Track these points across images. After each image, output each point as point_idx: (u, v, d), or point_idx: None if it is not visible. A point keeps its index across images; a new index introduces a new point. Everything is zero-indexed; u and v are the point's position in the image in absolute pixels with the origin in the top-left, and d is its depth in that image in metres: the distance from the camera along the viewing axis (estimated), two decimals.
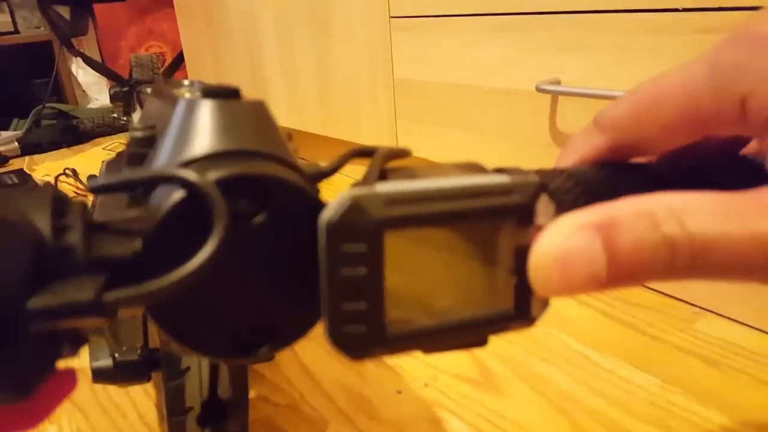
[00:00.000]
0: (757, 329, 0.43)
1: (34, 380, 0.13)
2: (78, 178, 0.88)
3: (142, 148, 0.17)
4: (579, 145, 0.18)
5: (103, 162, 0.79)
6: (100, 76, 1.50)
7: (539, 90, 0.51)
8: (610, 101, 0.18)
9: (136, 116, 0.59)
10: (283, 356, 0.44)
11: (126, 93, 0.71)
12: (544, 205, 0.14)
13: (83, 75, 1.56)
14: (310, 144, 0.93)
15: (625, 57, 0.46)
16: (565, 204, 0.15)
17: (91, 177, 0.82)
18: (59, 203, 0.13)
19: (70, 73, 1.57)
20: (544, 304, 0.15)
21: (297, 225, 0.14)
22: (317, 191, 0.16)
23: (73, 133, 1.24)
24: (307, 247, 0.14)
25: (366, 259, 0.13)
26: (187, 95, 0.19)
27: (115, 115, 1.28)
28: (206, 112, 0.15)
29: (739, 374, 0.39)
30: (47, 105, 1.32)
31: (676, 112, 0.16)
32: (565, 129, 0.53)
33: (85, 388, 0.42)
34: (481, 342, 0.16)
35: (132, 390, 0.42)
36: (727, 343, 0.42)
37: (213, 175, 0.13)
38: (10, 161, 1.12)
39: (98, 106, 1.48)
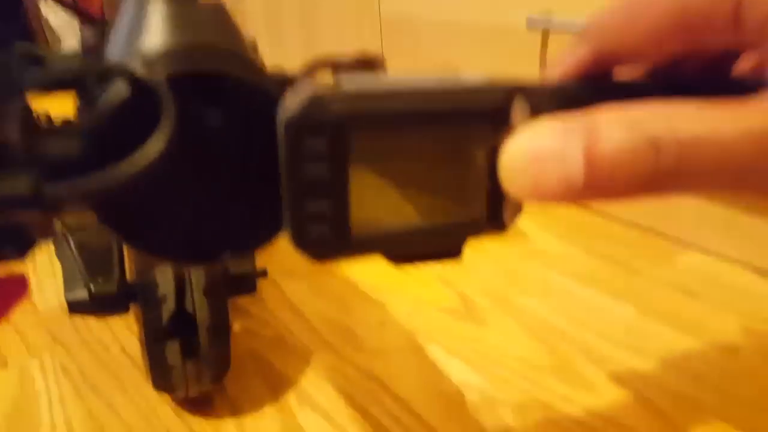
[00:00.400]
0: (734, 261, 0.44)
1: None
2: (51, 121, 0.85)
3: (95, 43, 0.16)
4: (562, 58, 0.18)
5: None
6: (72, 17, 1.43)
7: (530, 23, 0.50)
8: None
9: None
10: (269, 292, 0.44)
11: (98, 37, 0.67)
12: (519, 108, 0.14)
13: (54, 17, 1.48)
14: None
15: None
16: (541, 109, 0.15)
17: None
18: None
19: (40, 14, 1.49)
20: (517, 209, 0.15)
21: (256, 126, 0.14)
22: (280, 93, 0.15)
23: None
24: (268, 150, 0.13)
25: (329, 156, 0.13)
26: None
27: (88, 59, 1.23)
28: (159, 7, 0.14)
29: (715, 303, 0.39)
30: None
31: (665, 16, 0.15)
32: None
33: (66, 323, 0.42)
34: (455, 252, 0.15)
35: (113, 323, 0.42)
36: (705, 274, 0.43)
37: (163, 69, 0.13)
38: None
39: (71, 49, 1.42)
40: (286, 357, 0.37)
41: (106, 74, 0.13)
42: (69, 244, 0.35)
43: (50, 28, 1.51)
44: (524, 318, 0.39)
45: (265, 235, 0.15)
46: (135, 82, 0.12)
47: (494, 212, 0.14)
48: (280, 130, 0.12)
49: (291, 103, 0.12)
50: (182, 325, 0.29)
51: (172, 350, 0.30)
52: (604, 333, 0.37)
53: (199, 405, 0.33)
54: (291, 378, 0.35)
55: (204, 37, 0.14)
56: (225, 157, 0.14)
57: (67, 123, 0.13)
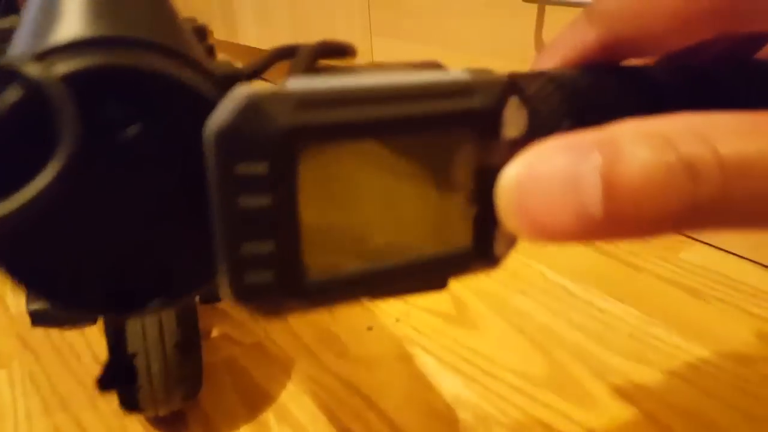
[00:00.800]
0: (744, 258, 0.41)
1: None
2: None
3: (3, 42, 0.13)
4: (564, 41, 0.15)
5: None
6: None
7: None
8: None
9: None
10: None
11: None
12: (513, 112, 0.11)
13: None
14: (282, 66, 0.87)
15: None
16: (542, 113, 0.12)
17: None
18: None
19: None
20: (512, 240, 0.12)
21: (188, 138, 0.11)
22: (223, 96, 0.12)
23: None
24: (200, 170, 0.10)
25: (272, 182, 0.09)
26: None
27: None
28: None
29: (723, 305, 0.37)
30: None
31: (675, 22, 0.12)
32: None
33: (38, 329, 0.40)
34: (439, 286, 0.13)
35: (88, 330, 0.39)
36: (713, 273, 0.40)
37: (61, 68, 0.10)
38: None
39: None
40: (265, 367, 0.35)
41: None
42: None
43: None
44: (521, 323, 0.37)
45: (204, 276, 0.12)
46: (27, 83, 0.10)
47: (483, 243, 0.12)
48: (208, 146, 0.09)
49: (221, 112, 0.09)
50: (121, 373, 0.27)
51: (139, 370, 0.27)
52: (606, 339, 0.35)
53: (171, 423, 0.31)
54: (269, 392, 0.33)
55: (125, 27, 0.11)
56: (150, 177, 0.11)
57: None
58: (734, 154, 0.09)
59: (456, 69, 0.12)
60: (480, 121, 0.11)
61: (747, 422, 0.28)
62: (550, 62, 0.15)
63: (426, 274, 0.12)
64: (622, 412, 0.30)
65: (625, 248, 0.44)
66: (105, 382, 0.26)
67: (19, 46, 0.12)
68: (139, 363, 0.27)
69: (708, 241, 0.44)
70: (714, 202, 0.09)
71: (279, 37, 0.81)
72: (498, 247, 0.12)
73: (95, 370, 0.36)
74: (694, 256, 0.43)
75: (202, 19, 0.75)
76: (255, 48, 0.88)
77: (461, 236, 0.11)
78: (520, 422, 0.29)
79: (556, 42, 0.15)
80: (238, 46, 0.93)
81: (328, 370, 0.34)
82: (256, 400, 0.32)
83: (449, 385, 0.32)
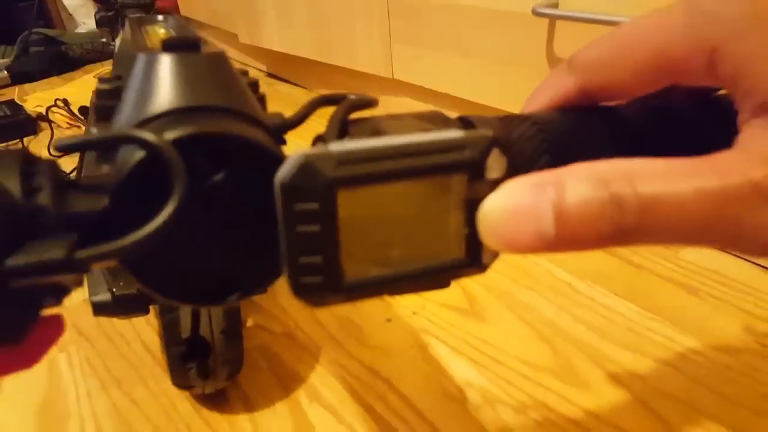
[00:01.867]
0: (739, 258, 0.44)
1: (21, 328, 0.14)
2: (70, 108, 0.87)
3: (109, 101, 0.17)
4: (549, 86, 0.18)
5: (93, 92, 0.78)
6: None
7: (535, 13, 0.49)
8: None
9: (118, 42, 0.57)
10: (280, 288, 0.46)
11: (111, 18, 0.68)
12: (494, 160, 0.15)
13: None
14: (304, 69, 0.91)
15: None
16: (524, 153, 0.15)
17: (82, 108, 0.81)
18: (28, 165, 0.14)
19: None
20: (495, 252, 0.16)
21: (258, 180, 0.15)
22: (280, 145, 0.16)
23: (62, 60, 1.21)
24: (268, 201, 0.14)
25: (319, 216, 0.13)
26: (154, 39, 0.18)
27: (104, 40, 1.24)
28: (165, 67, 0.15)
29: (718, 302, 0.40)
30: (34, 30, 1.28)
31: (647, 57, 0.16)
32: (562, 55, 0.51)
33: (91, 319, 0.44)
34: (443, 285, 0.16)
35: (135, 320, 0.44)
36: (710, 271, 0.43)
37: (170, 135, 0.14)
38: (1, 91, 1.10)
39: (86, 30, 1.43)
40: (295, 352, 0.39)
41: (122, 141, 0.14)
42: None
43: (65, 8, 1.52)
44: (528, 316, 0.40)
45: (268, 279, 0.16)
46: (148, 147, 0.14)
47: (474, 255, 0.15)
48: (276, 192, 0.13)
49: (285, 168, 0.13)
50: (198, 348, 0.31)
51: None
52: (606, 332, 0.38)
53: (215, 399, 0.35)
54: (300, 374, 0.37)
55: (206, 96, 0.15)
56: (231, 209, 0.15)
57: (88, 183, 0.14)
58: (648, 193, 0.13)
59: (454, 124, 0.15)
60: (470, 168, 0.14)
61: (729, 406, 0.31)
62: (536, 105, 0.18)
63: (432, 277, 0.16)
64: (617, 396, 0.33)
65: (629, 248, 0.46)
66: (187, 356, 0.30)
67: (127, 112, 0.16)
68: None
69: None
70: (634, 226, 0.13)
71: (300, 42, 0.84)
72: (485, 257, 0.16)
73: (144, 356, 0.40)
74: (692, 255, 0.45)
75: (227, 23, 0.80)
76: (278, 52, 0.91)
77: (458, 250, 0.15)
78: (523, 403, 0.33)
79: (541, 88, 0.18)
80: (262, 50, 0.97)
81: (351, 357, 0.38)
82: (289, 381, 0.36)
83: (461, 370, 0.36)
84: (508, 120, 0.17)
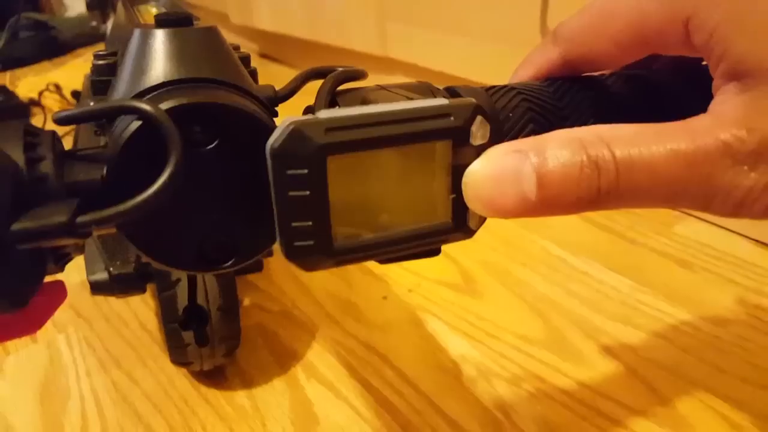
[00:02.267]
0: (733, 232, 0.45)
1: (26, 292, 0.14)
2: (62, 93, 0.86)
3: (105, 76, 0.17)
4: (535, 58, 0.18)
5: (85, 76, 0.77)
6: None
7: None
8: None
9: (109, 24, 0.57)
10: (275, 268, 0.46)
11: (102, 0, 0.67)
12: (479, 127, 0.15)
13: None
14: (296, 50, 0.90)
15: None
16: (508, 122, 0.16)
17: (75, 93, 0.81)
18: (30, 136, 0.14)
19: None
20: (482, 218, 0.16)
21: (251, 149, 0.15)
22: (272, 116, 0.17)
23: (52, 44, 1.19)
24: (261, 170, 0.15)
25: (309, 181, 0.14)
26: (147, 17, 0.19)
27: (94, 23, 1.22)
28: (159, 41, 0.16)
29: (709, 275, 0.40)
30: (23, 15, 1.26)
31: (625, 28, 0.16)
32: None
33: (88, 300, 0.44)
34: (434, 253, 0.17)
35: (132, 301, 0.44)
36: (703, 245, 0.44)
37: (165, 104, 0.14)
38: None
39: (75, 14, 1.41)
40: (292, 330, 0.39)
41: (120, 112, 0.14)
42: None
43: None
44: (523, 292, 0.41)
45: (263, 244, 0.17)
46: (144, 116, 0.14)
47: (460, 220, 0.16)
48: (267, 159, 0.14)
49: (275, 135, 0.14)
50: (195, 316, 0.31)
51: (188, 332, 0.32)
52: (599, 306, 0.38)
53: (213, 376, 0.36)
54: (298, 351, 0.37)
55: (199, 69, 0.16)
56: (225, 177, 0.16)
57: (87, 154, 0.15)
58: (625, 155, 0.13)
59: (441, 94, 0.16)
60: (455, 134, 0.15)
61: (717, 375, 0.32)
62: (523, 75, 0.19)
63: (420, 242, 0.16)
64: (609, 367, 0.33)
65: (624, 223, 0.47)
66: (185, 324, 0.31)
67: (123, 86, 0.16)
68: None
69: (700, 216, 0.47)
70: (612, 189, 0.13)
71: (293, 21, 0.83)
72: (472, 222, 0.16)
73: (142, 335, 0.41)
74: (686, 229, 0.46)
75: (217, 3, 0.79)
76: (270, 32, 0.91)
77: (445, 214, 0.16)
78: (517, 375, 0.33)
79: (527, 60, 0.19)
80: (254, 30, 0.96)
81: (348, 334, 0.38)
82: (286, 358, 0.37)
83: (456, 345, 0.36)
84: (494, 90, 0.17)
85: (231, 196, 0.16)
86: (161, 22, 0.16)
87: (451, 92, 0.18)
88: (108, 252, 0.36)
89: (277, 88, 0.18)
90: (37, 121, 0.85)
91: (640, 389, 0.32)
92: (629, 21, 0.16)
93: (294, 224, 0.14)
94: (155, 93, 0.15)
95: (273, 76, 0.94)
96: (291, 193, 0.14)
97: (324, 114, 0.14)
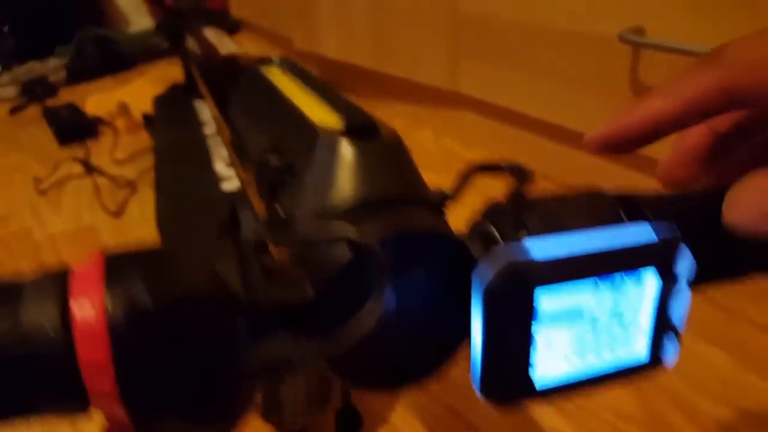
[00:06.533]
0: None
1: (240, 417, 0.14)
2: (130, 114, 0.88)
3: (281, 176, 0.17)
4: (682, 83, 0.16)
5: (155, 99, 0.78)
6: None
7: (621, 40, 0.47)
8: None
9: (189, 43, 0.58)
10: None
11: (171, 25, 0.69)
12: (683, 258, 0.15)
13: None
14: (361, 79, 0.90)
15: (718, 9, 0.42)
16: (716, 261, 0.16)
17: (146, 117, 0.83)
18: (243, 256, 0.14)
19: None
20: (676, 347, 0.16)
21: (445, 271, 0.15)
22: (442, 216, 0.17)
23: (116, 60, 1.23)
24: (449, 289, 0.15)
25: (517, 320, 0.14)
26: (326, 124, 0.19)
27: (156, 40, 1.26)
28: (348, 155, 0.15)
29: None
30: (88, 29, 1.30)
31: None
32: (648, 82, 0.49)
33: None
34: (621, 384, 0.16)
35: None
36: None
37: (376, 233, 0.14)
38: (59, 90, 1.13)
39: (138, 29, 1.45)
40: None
41: (332, 239, 0.14)
42: None
43: (118, 8, 1.54)
44: None
45: (442, 361, 0.16)
46: (357, 247, 0.14)
47: (656, 355, 0.15)
48: (476, 292, 0.13)
49: (489, 270, 0.13)
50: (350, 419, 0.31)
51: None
52: (701, 384, 0.37)
53: None
54: (383, 415, 0.37)
55: (391, 186, 0.16)
56: (419, 299, 0.15)
57: (287, 271, 0.15)
58: None
59: (618, 208, 0.16)
60: (661, 271, 0.14)
61: None
62: (664, 103, 0.16)
63: (614, 380, 0.15)
64: None
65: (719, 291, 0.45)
66: (338, 426, 0.31)
67: (311, 198, 0.16)
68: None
69: None
70: None
71: (359, 49, 0.84)
72: (666, 357, 0.15)
73: None
74: None
75: (280, 26, 0.80)
76: (334, 60, 0.91)
77: (643, 349, 0.15)
78: None
79: (674, 83, 0.16)
80: (317, 56, 0.96)
81: (433, 397, 0.37)
82: (373, 420, 0.36)
83: (548, 417, 0.35)
84: (688, 210, 0.16)
85: (422, 317, 0.15)
86: (349, 131, 0.16)
87: (629, 206, 0.17)
88: None
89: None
90: (104, 139, 0.87)
91: None
92: None
93: (494, 360, 0.14)
94: (355, 215, 0.15)
95: None
96: (496, 328, 0.13)
97: (536, 252, 0.13)
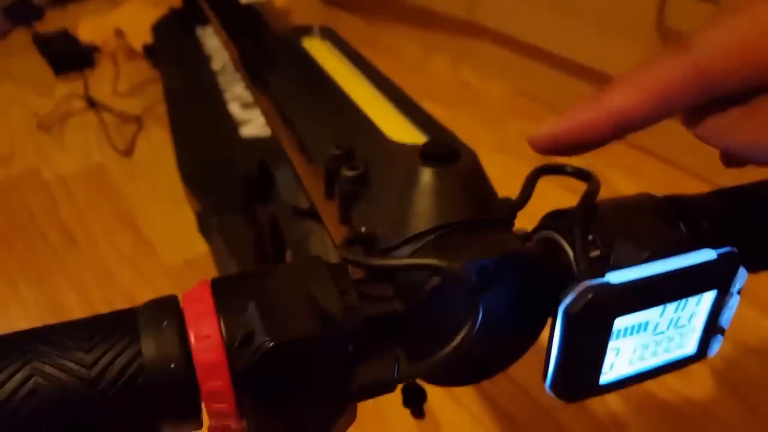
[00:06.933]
0: None
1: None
2: (127, 41, 0.84)
3: (354, 186, 0.18)
4: (651, 71, 0.15)
5: (154, 28, 0.74)
6: None
7: None
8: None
9: None
10: None
11: None
12: (740, 277, 0.16)
13: None
14: (371, 3, 0.85)
15: None
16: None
17: (147, 47, 0.79)
18: (337, 280, 0.14)
19: None
20: (719, 342, 0.17)
21: (519, 286, 0.16)
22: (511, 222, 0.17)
23: None
24: (523, 301, 0.16)
25: (594, 338, 0.15)
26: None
27: None
28: (429, 181, 0.16)
29: None
30: None
31: None
32: (673, 24, 0.47)
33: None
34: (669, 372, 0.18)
35: None
36: None
37: (461, 260, 0.14)
38: (46, 13, 1.06)
39: None
40: None
41: (421, 267, 0.15)
42: (218, 235, 0.37)
43: None
44: None
45: (508, 364, 0.17)
46: (442, 272, 0.14)
47: (702, 349, 0.17)
48: (559, 317, 0.14)
49: (571, 298, 0.14)
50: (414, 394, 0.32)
51: None
52: None
53: None
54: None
55: (469, 210, 0.16)
56: (500, 312, 0.16)
57: (383, 295, 0.15)
58: None
59: (672, 213, 0.17)
60: (720, 285, 0.16)
61: None
62: (626, 98, 0.15)
63: (664, 372, 0.17)
64: (711, 384, 0.34)
65: None
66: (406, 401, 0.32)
67: (387, 221, 0.16)
68: None
69: None
70: None
71: None
72: (711, 350, 0.17)
73: None
74: None
75: None
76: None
77: (693, 346, 0.17)
78: (631, 390, 0.34)
79: (636, 75, 0.15)
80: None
81: None
82: None
83: None
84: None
85: (501, 326, 0.16)
86: (429, 156, 0.16)
87: (679, 209, 0.18)
88: (239, 259, 0.37)
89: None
90: (101, 69, 0.84)
91: (734, 401, 0.32)
92: None
93: (568, 370, 0.15)
94: (435, 239, 0.15)
95: (343, 27, 0.90)
96: (574, 347, 0.15)
97: (615, 279, 0.14)
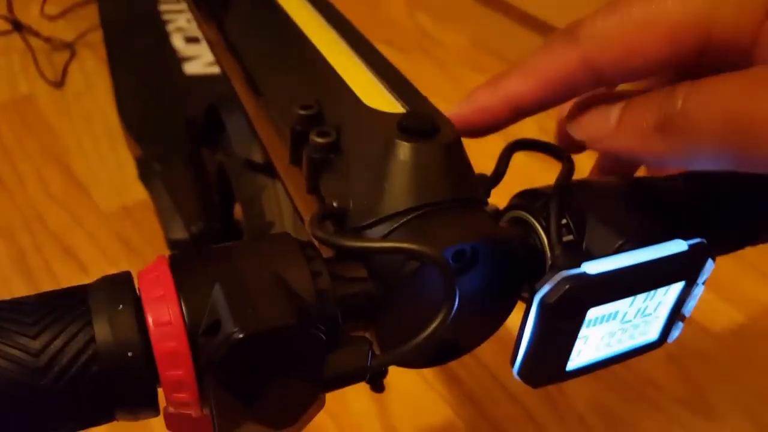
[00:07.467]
0: None
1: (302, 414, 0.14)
2: None
3: (325, 154, 0.16)
4: (541, 61, 0.15)
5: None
6: None
7: None
8: None
9: None
10: None
11: None
12: (708, 267, 0.16)
13: None
14: None
15: None
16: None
17: None
18: (309, 261, 0.14)
19: None
20: (680, 329, 0.18)
21: (494, 268, 0.16)
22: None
23: None
24: (496, 282, 0.16)
25: (567, 328, 0.15)
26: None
27: None
28: (407, 157, 0.15)
29: None
30: None
31: (685, 29, 0.13)
32: None
33: (137, 232, 0.44)
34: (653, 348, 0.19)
35: None
36: None
37: (439, 244, 0.14)
38: None
39: None
40: None
41: (398, 251, 0.14)
42: (161, 184, 0.35)
43: None
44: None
45: (478, 341, 0.18)
46: (420, 257, 0.14)
47: (664, 337, 0.18)
48: (534, 306, 0.14)
49: (547, 288, 0.14)
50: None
51: None
52: None
53: None
54: None
55: (447, 190, 0.15)
56: (474, 294, 0.16)
57: (355, 275, 0.15)
58: None
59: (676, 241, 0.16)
60: (689, 277, 0.16)
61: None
62: (522, 84, 0.16)
63: (626, 358, 0.17)
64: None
65: None
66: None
67: (362, 201, 0.15)
68: None
69: None
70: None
71: None
72: (671, 337, 0.18)
73: None
74: None
75: None
76: None
77: (655, 333, 0.17)
78: None
79: (531, 61, 0.16)
80: None
81: None
82: None
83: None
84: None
85: (469, 307, 0.16)
86: (407, 129, 0.15)
87: (647, 188, 0.18)
88: (187, 211, 0.35)
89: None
90: None
91: (675, 373, 0.35)
92: (693, 17, 0.13)
93: (537, 356, 0.15)
94: (411, 220, 0.15)
95: None
96: (546, 335, 0.15)
97: (591, 268, 0.14)
